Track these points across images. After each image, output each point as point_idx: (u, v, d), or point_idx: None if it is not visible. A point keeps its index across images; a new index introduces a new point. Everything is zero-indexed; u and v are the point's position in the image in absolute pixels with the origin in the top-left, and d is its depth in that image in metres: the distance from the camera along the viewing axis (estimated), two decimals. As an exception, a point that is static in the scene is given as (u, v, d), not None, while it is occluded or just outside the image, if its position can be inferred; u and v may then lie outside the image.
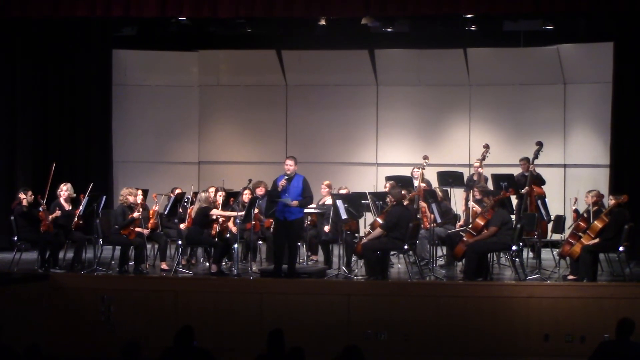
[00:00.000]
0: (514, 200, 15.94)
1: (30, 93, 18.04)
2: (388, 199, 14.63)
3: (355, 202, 14.89)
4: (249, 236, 14.98)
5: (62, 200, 15.06)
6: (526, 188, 15.86)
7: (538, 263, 14.91)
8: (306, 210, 14.76)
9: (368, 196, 15.34)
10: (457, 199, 17.03)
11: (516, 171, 16.68)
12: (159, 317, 13.62)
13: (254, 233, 15.06)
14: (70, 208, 15.09)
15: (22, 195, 14.96)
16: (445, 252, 15.90)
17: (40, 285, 13.91)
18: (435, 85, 19.51)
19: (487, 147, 16.90)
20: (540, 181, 16.18)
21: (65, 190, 15.13)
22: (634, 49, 17.01)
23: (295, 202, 13.90)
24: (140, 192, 15.38)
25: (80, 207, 14.92)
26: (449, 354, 13.34)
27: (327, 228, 15.37)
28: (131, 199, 14.86)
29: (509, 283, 14.02)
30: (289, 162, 14.12)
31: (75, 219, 14.93)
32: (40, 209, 14.69)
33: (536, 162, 16.20)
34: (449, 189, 16.63)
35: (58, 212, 14.84)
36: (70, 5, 15.39)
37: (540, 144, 16.20)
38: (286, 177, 14.01)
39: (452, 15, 16.42)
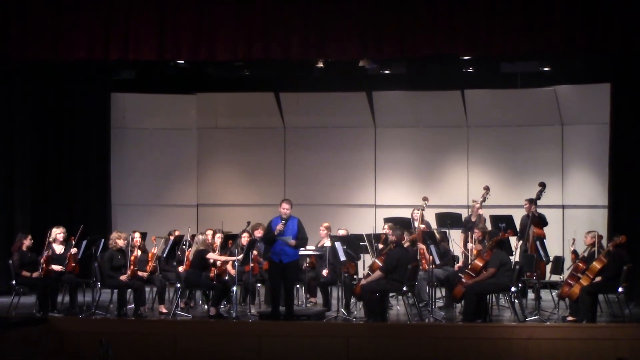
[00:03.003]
0: (513, 241, 15.88)
1: (29, 136, 18.09)
2: (390, 239, 14.56)
3: (353, 244, 14.89)
4: (248, 278, 14.95)
5: (57, 243, 15.06)
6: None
7: (537, 304, 14.87)
8: (304, 252, 14.74)
9: (365, 238, 15.32)
10: (455, 241, 16.99)
11: (513, 212, 16.48)
12: (158, 360, 13.58)
13: (253, 275, 15.01)
14: (63, 251, 15.09)
15: (23, 241, 15.00)
16: (444, 294, 15.86)
17: (39, 329, 13.87)
18: (433, 127, 19.55)
19: (487, 189, 16.92)
20: (542, 222, 16.10)
21: (60, 233, 15.12)
22: (631, 90, 17.00)
23: (293, 242, 13.94)
24: (138, 234, 15.42)
25: (73, 250, 14.94)
26: (449, 397, 13.29)
27: (325, 272, 15.33)
28: (120, 242, 14.87)
29: (508, 324, 13.99)
30: (286, 205, 14.17)
31: (67, 262, 14.93)
32: (45, 253, 14.73)
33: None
34: (447, 230, 16.61)
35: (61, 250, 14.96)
36: (69, 48, 15.41)
37: (543, 185, 16.16)
38: (283, 221, 14.03)
39: (450, 56, 16.46)
